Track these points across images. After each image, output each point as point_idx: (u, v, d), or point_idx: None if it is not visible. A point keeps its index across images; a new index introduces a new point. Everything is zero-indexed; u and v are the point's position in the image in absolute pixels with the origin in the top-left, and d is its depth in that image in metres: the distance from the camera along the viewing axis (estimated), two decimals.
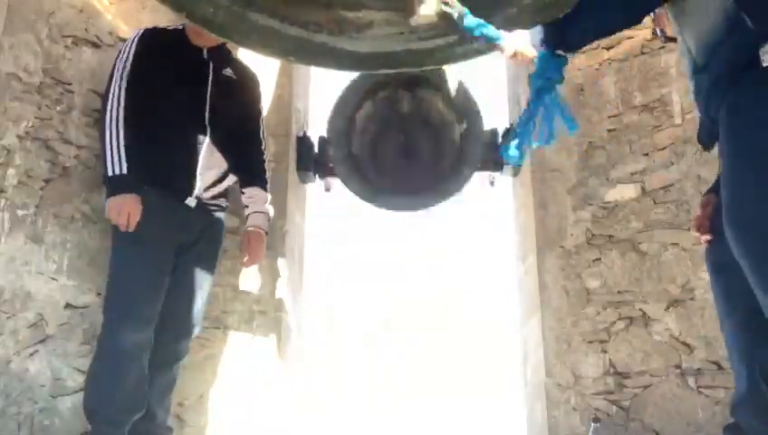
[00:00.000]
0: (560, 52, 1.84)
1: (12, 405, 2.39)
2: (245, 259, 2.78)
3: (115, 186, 2.43)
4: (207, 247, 2.68)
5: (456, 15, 1.67)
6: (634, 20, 1.86)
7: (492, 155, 3.45)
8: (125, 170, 2.41)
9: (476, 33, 1.71)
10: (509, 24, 1.56)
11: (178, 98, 2.61)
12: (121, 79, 2.52)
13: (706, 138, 1.81)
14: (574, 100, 3.31)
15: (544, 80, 1.85)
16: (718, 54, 1.59)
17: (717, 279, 1.88)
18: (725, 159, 1.59)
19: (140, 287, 2.42)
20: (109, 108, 2.48)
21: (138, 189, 2.44)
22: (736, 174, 1.55)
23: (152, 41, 2.62)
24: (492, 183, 3.55)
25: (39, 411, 2.47)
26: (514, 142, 1.91)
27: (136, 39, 2.61)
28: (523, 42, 1.82)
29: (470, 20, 1.68)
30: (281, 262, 3.22)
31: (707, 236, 1.93)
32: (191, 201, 2.59)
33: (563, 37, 1.81)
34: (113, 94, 2.49)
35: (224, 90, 2.70)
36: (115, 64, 2.58)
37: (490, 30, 1.73)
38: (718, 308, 1.89)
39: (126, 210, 2.40)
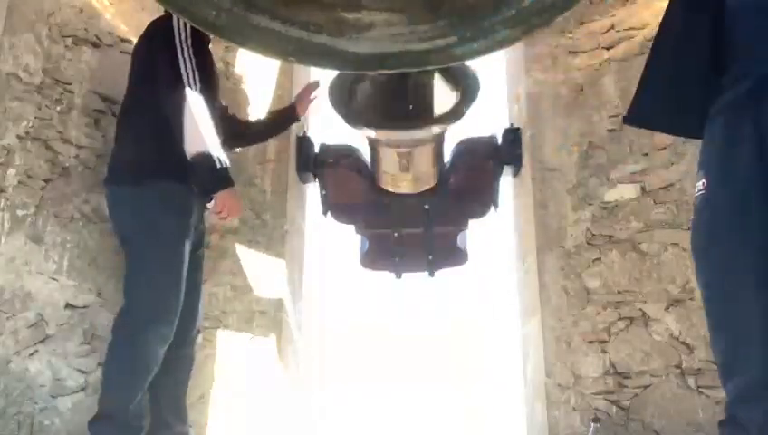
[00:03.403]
0: None
1: (12, 405, 2.39)
2: (223, 215, 2.48)
3: (224, 179, 2.38)
4: (201, 249, 2.67)
5: None
6: None
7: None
8: (227, 163, 2.36)
9: None
10: (507, 27, 1.56)
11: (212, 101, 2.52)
12: (191, 64, 2.37)
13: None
14: (574, 100, 3.31)
15: None
16: None
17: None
18: None
19: (174, 291, 2.35)
20: (184, 95, 2.32)
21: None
22: None
23: (196, 33, 2.44)
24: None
25: (39, 411, 2.47)
26: None
27: (189, 26, 2.40)
28: None
29: None
30: (281, 262, 3.22)
31: None
32: (211, 204, 2.51)
33: None
34: (188, 76, 2.33)
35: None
36: (168, 51, 2.38)
37: None
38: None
39: (231, 203, 2.40)
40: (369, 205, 3.04)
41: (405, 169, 2.85)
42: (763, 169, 1.63)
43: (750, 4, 1.68)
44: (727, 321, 1.70)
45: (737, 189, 1.67)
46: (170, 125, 2.34)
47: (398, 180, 2.94)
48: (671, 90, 1.79)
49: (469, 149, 3.06)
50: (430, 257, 3.19)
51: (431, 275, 3.36)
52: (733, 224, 1.68)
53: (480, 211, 3.13)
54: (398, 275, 3.37)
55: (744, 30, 1.68)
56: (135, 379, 2.28)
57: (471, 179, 3.07)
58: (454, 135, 3.14)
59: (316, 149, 3.52)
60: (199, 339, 2.64)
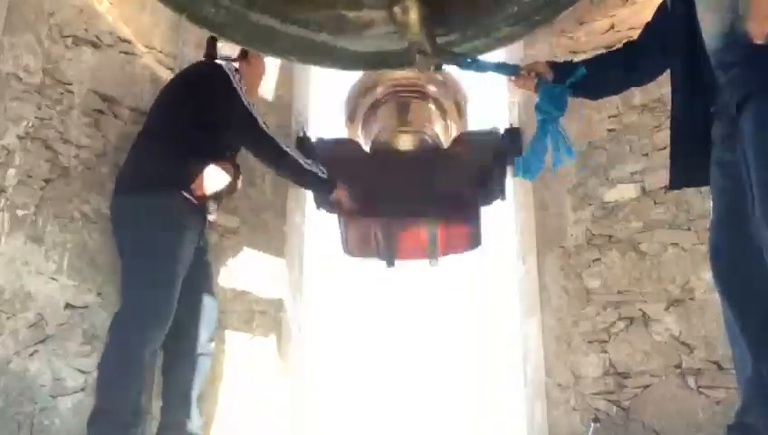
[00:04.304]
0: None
1: (12, 405, 2.39)
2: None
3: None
4: (206, 257, 2.77)
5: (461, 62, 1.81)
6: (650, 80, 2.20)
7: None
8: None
9: (491, 70, 1.86)
10: (509, 24, 1.56)
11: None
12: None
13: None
14: (574, 100, 3.30)
15: (546, 113, 2.01)
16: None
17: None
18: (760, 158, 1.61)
19: (165, 293, 2.43)
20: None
21: None
22: None
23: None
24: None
25: (39, 411, 2.47)
26: (526, 167, 2.11)
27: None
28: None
29: (482, 63, 1.83)
30: (281, 262, 3.22)
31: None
32: (212, 217, 2.70)
33: (583, 87, 2.09)
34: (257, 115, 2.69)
35: None
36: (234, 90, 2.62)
37: (505, 67, 1.95)
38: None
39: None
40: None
41: None
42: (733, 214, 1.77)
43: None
44: (729, 335, 1.82)
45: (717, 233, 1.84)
46: (193, 147, 2.57)
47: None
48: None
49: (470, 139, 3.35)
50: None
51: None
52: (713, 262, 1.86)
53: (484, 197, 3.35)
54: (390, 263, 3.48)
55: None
56: (126, 378, 2.35)
57: (472, 166, 3.24)
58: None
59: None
60: (212, 345, 2.69)
